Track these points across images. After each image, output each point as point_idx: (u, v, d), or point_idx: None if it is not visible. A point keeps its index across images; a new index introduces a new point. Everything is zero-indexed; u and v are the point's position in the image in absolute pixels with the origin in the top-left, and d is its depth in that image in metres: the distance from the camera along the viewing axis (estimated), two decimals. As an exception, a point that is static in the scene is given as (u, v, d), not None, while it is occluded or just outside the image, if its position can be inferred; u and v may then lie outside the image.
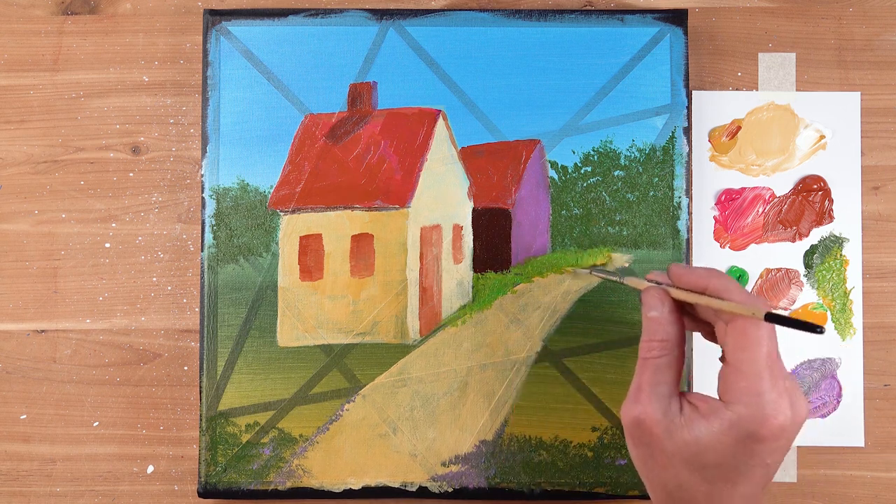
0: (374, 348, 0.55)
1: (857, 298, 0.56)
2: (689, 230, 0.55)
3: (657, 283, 0.43)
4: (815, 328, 0.35)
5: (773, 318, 0.36)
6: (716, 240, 0.56)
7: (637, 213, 0.55)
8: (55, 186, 0.57)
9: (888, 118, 0.57)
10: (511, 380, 0.55)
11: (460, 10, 0.56)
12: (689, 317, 0.43)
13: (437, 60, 0.55)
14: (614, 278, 0.49)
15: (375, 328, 0.55)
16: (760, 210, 0.56)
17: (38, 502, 0.56)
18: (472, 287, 0.55)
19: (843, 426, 0.56)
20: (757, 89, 0.57)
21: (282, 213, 0.55)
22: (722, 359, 0.40)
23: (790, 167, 0.57)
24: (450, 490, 0.54)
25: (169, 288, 0.57)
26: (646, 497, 0.54)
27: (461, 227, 0.56)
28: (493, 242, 0.56)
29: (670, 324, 0.41)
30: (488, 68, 0.55)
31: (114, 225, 0.57)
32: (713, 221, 0.57)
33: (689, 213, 0.55)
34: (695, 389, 0.55)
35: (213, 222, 0.55)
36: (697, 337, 0.56)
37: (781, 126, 0.57)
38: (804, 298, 0.56)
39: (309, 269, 0.55)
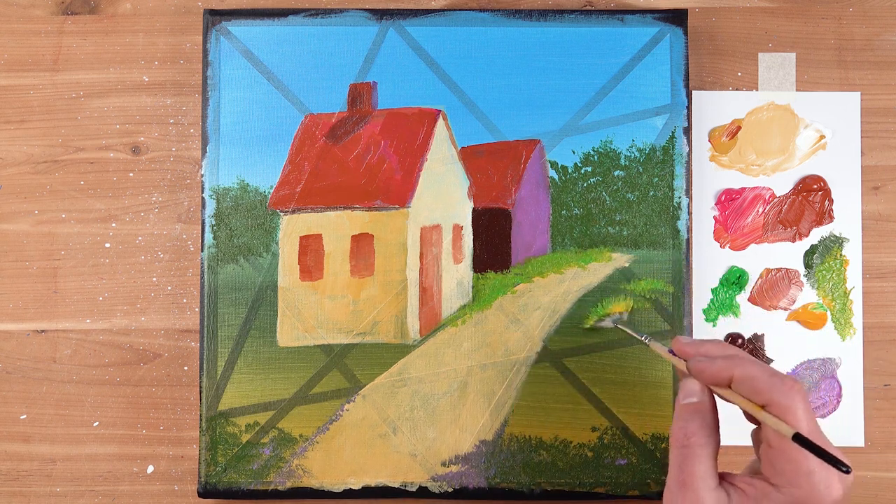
0: (374, 348, 0.55)
1: (857, 298, 0.56)
2: (689, 230, 0.55)
3: (676, 353, 0.43)
4: (841, 466, 0.34)
5: (800, 441, 0.36)
6: (716, 240, 0.57)
7: (637, 213, 0.55)
8: (55, 186, 0.57)
9: (888, 118, 0.57)
10: (511, 380, 0.55)
11: (460, 10, 0.56)
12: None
13: (437, 60, 0.55)
14: (640, 338, 0.49)
15: (375, 328, 0.55)
16: (760, 210, 0.56)
17: (38, 502, 0.56)
18: (472, 287, 0.55)
19: (843, 426, 0.56)
20: (757, 89, 0.57)
21: (282, 213, 0.55)
22: (750, 420, 0.40)
23: (790, 167, 0.57)
24: (450, 490, 0.54)
25: (169, 288, 0.57)
26: (646, 497, 0.54)
27: (461, 227, 0.56)
28: (493, 242, 0.56)
29: (709, 411, 0.40)
30: (488, 68, 0.55)
31: (114, 225, 0.57)
32: (713, 221, 0.57)
33: (689, 213, 0.55)
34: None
35: (213, 222, 0.55)
36: (698, 330, 0.56)
37: (781, 126, 0.57)
38: (804, 298, 0.56)
39: (309, 269, 0.55)
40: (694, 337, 0.55)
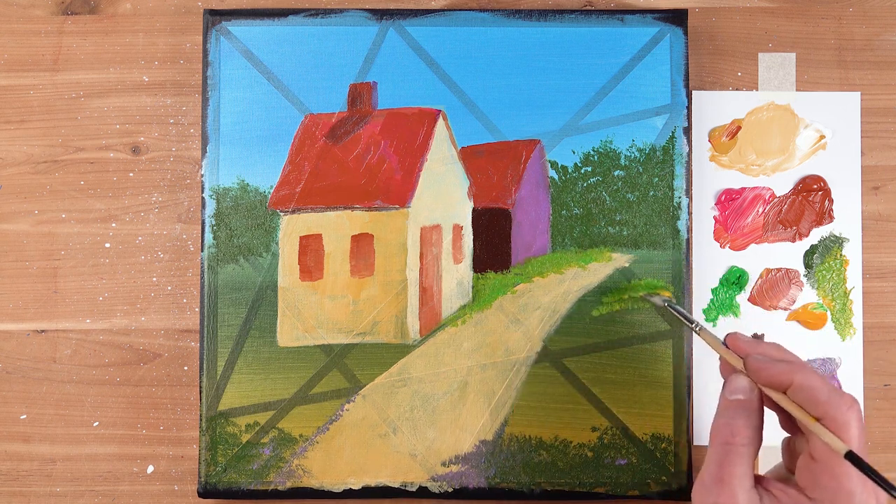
0: (374, 348, 0.55)
1: (857, 298, 0.56)
2: (689, 230, 0.55)
3: (731, 348, 0.41)
4: (892, 490, 0.34)
5: (853, 460, 0.35)
6: (716, 240, 0.56)
7: (637, 213, 0.55)
8: (55, 186, 0.57)
9: (888, 118, 0.57)
10: (511, 380, 0.55)
11: (460, 10, 0.56)
12: (769, 400, 0.41)
13: (437, 60, 0.55)
14: (690, 325, 0.47)
15: (375, 328, 0.55)
16: (760, 210, 0.56)
17: (38, 502, 0.56)
18: (472, 287, 0.55)
19: (843, 426, 0.56)
20: (757, 89, 0.57)
21: (282, 213, 0.55)
22: (786, 429, 0.40)
23: (790, 167, 0.57)
24: (450, 490, 0.54)
25: (169, 288, 0.57)
26: (646, 497, 0.54)
27: (461, 227, 0.56)
28: (493, 242, 0.56)
29: (756, 410, 0.40)
30: (488, 68, 0.55)
31: (114, 225, 0.57)
32: (713, 221, 0.57)
33: (689, 213, 0.55)
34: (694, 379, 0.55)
35: (213, 222, 0.55)
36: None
37: (781, 126, 0.57)
38: (804, 298, 0.56)
39: (309, 269, 0.55)
40: (694, 336, 0.55)
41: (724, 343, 0.43)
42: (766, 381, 0.39)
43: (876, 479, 0.34)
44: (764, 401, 0.41)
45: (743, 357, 0.41)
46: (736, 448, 0.39)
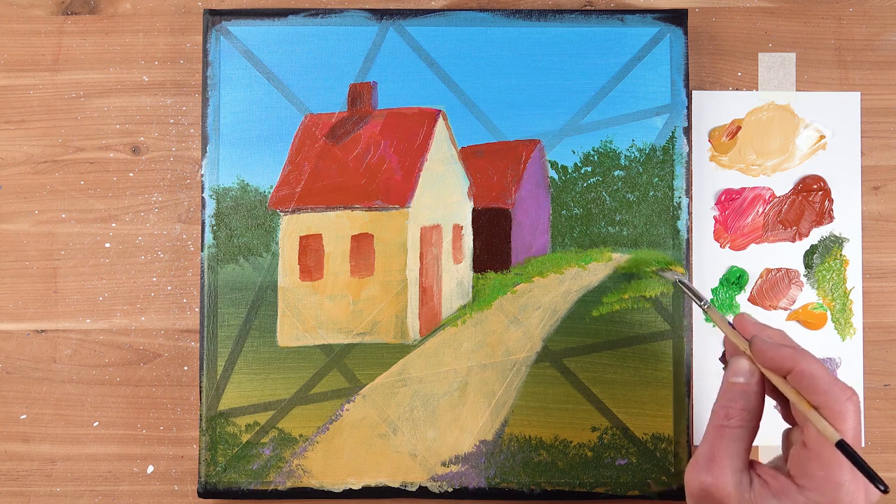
0: (374, 348, 0.55)
1: (857, 298, 0.56)
2: (689, 230, 0.55)
3: (737, 329, 0.42)
4: (878, 484, 0.34)
5: (843, 449, 0.35)
6: (716, 240, 0.57)
7: (637, 213, 0.55)
8: (55, 186, 0.57)
9: (888, 118, 0.57)
10: (511, 380, 0.55)
11: (460, 10, 0.56)
12: (770, 387, 0.41)
13: (437, 60, 0.55)
14: (699, 304, 0.47)
15: (375, 328, 0.55)
16: (760, 210, 0.56)
17: (38, 502, 0.56)
18: (472, 287, 0.55)
19: (843, 426, 0.56)
20: (757, 89, 0.57)
21: (282, 213, 0.55)
22: (787, 420, 0.40)
23: (790, 167, 0.57)
24: (450, 490, 0.54)
25: (169, 288, 0.57)
26: (646, 497, 0.54)
27: (461, 227, 0.56)
28: (493, 242, 0.56)
29: (755, 394, 0.40)
30: (488, 68, 0.55)
31: (114, 225, 0.57)
32: (713, 221, 0.57)
33: (689, 213, 0.55)
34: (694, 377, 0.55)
35: (213, 222, 0.55)
36: (698, 330, 0.56)
37: (781, 126, 0.57)
38: (804, 298, 0.56)
39: (309, 269, 0.55)
40: (694, 336, 0.55)
41: (731, 324, 0.43)
42: (768, 364, 0.40)
43: (865, 471, 0.35)
44: (766, 388, 0.41)
45: (748, 338, 0.41)
46: (731, 430, 0.39)
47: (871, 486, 0.36)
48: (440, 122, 0.55)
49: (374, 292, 0.55)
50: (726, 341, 0.43)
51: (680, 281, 0.51)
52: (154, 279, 0.57)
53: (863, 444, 0.56)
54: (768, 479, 0.39)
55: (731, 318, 0.46)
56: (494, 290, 0.55)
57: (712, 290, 0.56)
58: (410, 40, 0.55)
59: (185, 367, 0.57)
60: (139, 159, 0.57)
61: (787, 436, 0.42)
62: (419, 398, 0.54)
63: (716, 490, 0.38)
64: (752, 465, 0.40)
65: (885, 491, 0.34)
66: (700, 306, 0.47)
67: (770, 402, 0.42)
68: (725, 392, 0.40)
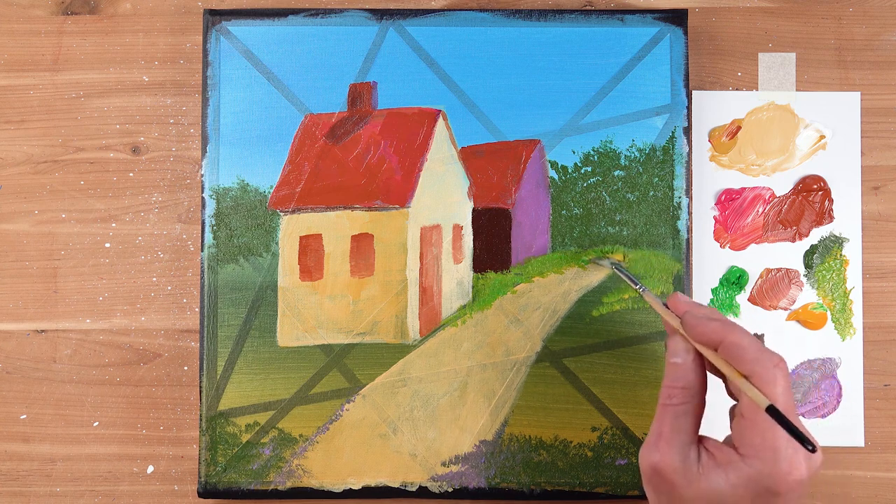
0: (374, 348, 0.55)
1: (857, 298, 0.56)
2: (689, 230, 0.55)
3: (670, 310, 0.43)
4: (806, 444, 0.35)
5: (772, 414, 0.36)
6: (716, 240, 0.57)
7: (637, 213, 0.55)
8: (55, 186, 0.57)
9: (888, 118, 0.57)
10: (511, 380, 0.55)
11: (460, 10, 0.56)
12: (710, 363, 0.42)
13: (437, 60, 0.55)
14: (635, 287, 0.49)
15: (375, 328, 0.55)
16: (760, 210, 0.56)
17: (38, 502, 0.56)
18: (472, 287, 0.55)
19: (843, 426, 0.56)
20: (757, 89, 0.57)
21: (282, 213, 0.55)
22: (731, 395, 0.40)
23: (790, 167, 0.57)
24: (450, 490, 0.54)
25: (169, 288, 0.57)
26: (645, 497, 0.54)
27: (461, 227, 0.56)
28: (493, 242, 0.56)
29: (692, 371, 0.41)
30: (488, 68, 0.55)
31: (114, 225, 0.57)
32: (713, 221, 0.57)
33: (689, 213, 0.55)
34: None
35: (213, 222, 0.55)
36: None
37: (781, 126, 0.57)
38: (804, 298, 0.56)
39: (309, 269, 0.55)
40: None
41: (666, 304, 0.44)
42: (699, 339, 0.41)
43: (794, 433, 0.35)
44: (707, 365, 0.42)
45: (680, 316, 0.42)
46: (672, 408, 0.40)
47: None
48: (440, 122, 0.55)
49: (374, 292, 0.55)
50: (664, 323, 0.44)
51: (614, 265, 0.52)
52: (154, 279, 0.57)
53: (863, 444, 0.56)
54: (714, 451, 0.39)
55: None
56: (494, 290, 0.55)
57: (712, 290, 0.56)
58: (410, 40, 0.55)
59: (185, 367, 0.57)
60: (139, 159, 0.57)
61: (732, 411, 0.43)
62: (419, 398, 0.54)
63: (664, 466, 0.39)
64: (700, 440, 0.41)
65: (813, 451, 0.34)
66: (636, 290, 0.49)
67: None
68: (667, 374, 0.42)
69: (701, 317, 0.41)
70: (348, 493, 0.54)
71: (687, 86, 0.55)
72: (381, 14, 0.55)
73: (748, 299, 0.56)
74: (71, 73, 0.58)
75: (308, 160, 0.55)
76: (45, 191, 0.57)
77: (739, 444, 0.39)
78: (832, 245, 0.56)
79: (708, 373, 0.42)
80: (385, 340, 0.55)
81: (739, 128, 0.57)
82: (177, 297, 0.57)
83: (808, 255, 0.56)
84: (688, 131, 0.55)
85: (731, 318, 0.42)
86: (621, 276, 0.51)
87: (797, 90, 0.57)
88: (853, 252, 0.56)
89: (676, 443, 0.40)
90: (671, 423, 0.40)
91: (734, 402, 0.43)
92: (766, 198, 0.56)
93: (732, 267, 0.56)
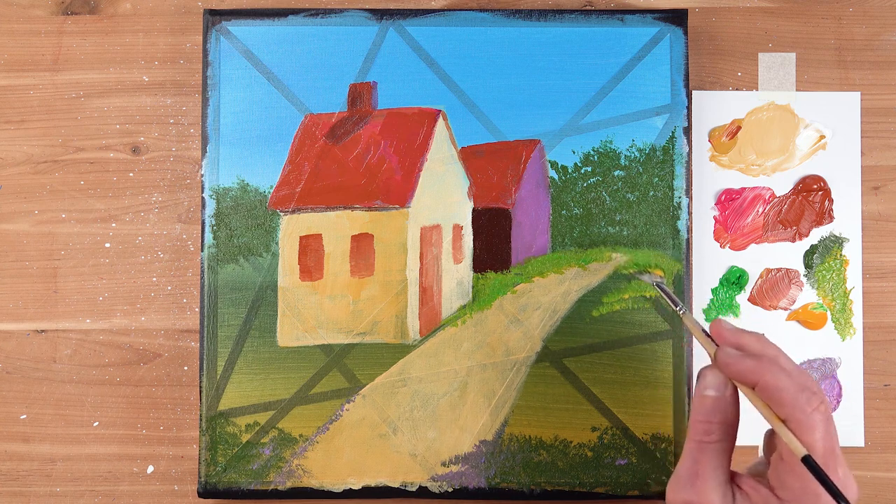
0: (374, 348, 0.55)
1: (857, 298, 0.56)
2: (689, 230, 0.55)
3: (712, 335, 0.41)
4: (840, 501, 0.34)
5: (809, 465, 0.35)
6: (716, 240, 0.57)
7: (637, 213, 0.55)
8: (55, 186, 0.57)
9: (888, 118, 0.57)
10: (511, 380, 0.55)
11: (460, 10, 0.56)
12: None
13: (437, 60, 0.55)
14: (676, 308, 0.46)
15: (375, 328, 0.55)
16: (760, 210, 0.56)
17: (38, 502, 0.56)
18: (472, 287, 0.55)
19: (843, 426, 0.56)
20: (757, 89, 0.57)
21: (282, 213, 0.55)
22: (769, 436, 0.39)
23: (790, 167, 0.57)
24: (450, 490, 0.54)
25: (169, 288, 0.57)
26: (646, 497, 0.54)
27: (461, 227, 0.56)
28: (493, 242, 0.56)
29: (730, 405, 0.39)
30: (488, 68, 0.55)
31: (114, 225, 0.57)
32: (713, 221, 0.57)
33: (689, 213, 0.55)
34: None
35: (213, 222, 0.55)
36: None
37: (781, 126, 0.57)
38: (804, 298, 0.56)
39: (309, 269, 0.55)
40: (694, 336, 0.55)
41: (706, 332, 0.42)
42: (735, 378, 0.39)
43: (828, 487, 0.34)
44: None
45: (713, 352, 0.41)
46: (712, 445, 0.39)
47: (849, 490, 0.36)
48: (440, 122, 0.55)
49: (374, 292, 0.55)
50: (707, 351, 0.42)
51: (657, 284, 0.50)
52: (154, 279, 0.57)
53: (863, 444, 0.56)
54: (750, 491, 0.38)
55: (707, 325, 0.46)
56: (494, 290, 0.55)
57: (712, 290, 0.56)
58: (410, 40, 0.55)
59: (185, 367, 0.57)
60: (139, 159, 0.57)
61: (768, 437, 0.42)
62: (419, 398, 0.54)
63: None
64: (733, 476, 0.39)
65: None
66: (676, 311, 0.46)
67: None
68: (700, 405, 0.39)
69: (735, 354, 0.39)
70: (348, 493, 0.54)
71: (687, 86, 0.55)
72: (381, 14, 0.55)
73: (748, 299, 0.56)
74: (71, 73, 0.58)
75: (308, 160, 0.55)
76: (45, 191, 0.57)
77: (778, 487, 0.37)
78: (832, 245, 0.56)
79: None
80: (385, 340, 0.55)
81: (739, 128, 0.57)
82: (177, 297, 0.57)
83: (808, 255, 0.56)
84: (688, 131, 0.55)
85: (764, 335, 0.40)
86: (662, 294, 0.48)
87: (797, 90, 0.57)
88: (853, 252, 0.56)
89: (714, 482, 0.38)
90: (709, 461, 0.38)
91: (770, 428, 0.41)
92: (766, 198, 0.56)
93: (732, 267, 0.56)
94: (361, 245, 0.55)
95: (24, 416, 0.57)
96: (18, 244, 0.57)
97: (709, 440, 0.39)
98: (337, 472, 0.54)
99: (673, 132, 0.55)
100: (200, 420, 0.54)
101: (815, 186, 0.56)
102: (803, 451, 0.35)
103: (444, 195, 0.55)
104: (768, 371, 0.37)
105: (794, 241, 0.57)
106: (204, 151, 0.55)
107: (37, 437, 0.57)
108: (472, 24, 0.55)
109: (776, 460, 0.38)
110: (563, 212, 0.55)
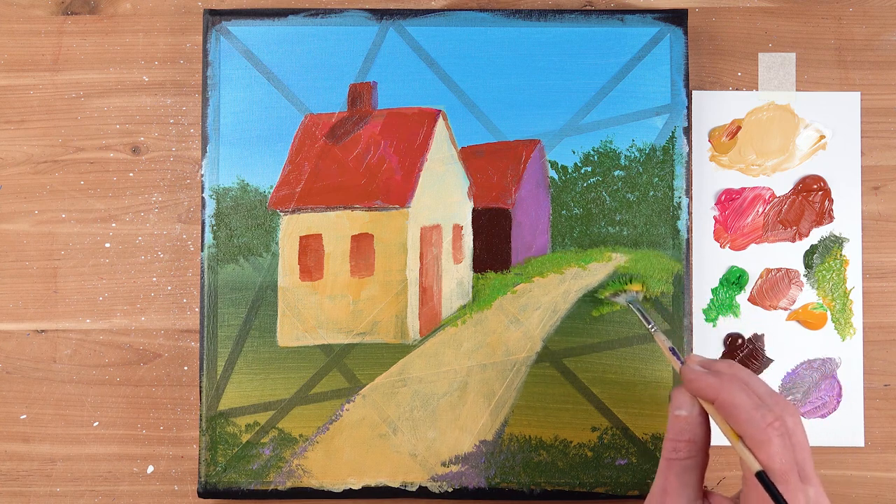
0: (374, 348, 0.55)
1: (857, 298, 0.56)
2: (689, 230, 0.55)
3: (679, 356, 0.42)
4: None
5: (762, 481, 0.36)
6: (716, 240, 0.57)
7: (637, 213, 0.55)
8: (55, 186, 0.57)
9: (888, 118, 0.57)
10: (511, 380, 0.55)
11: (460, 10, 0.56)
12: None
13: (437, 60, 0.55)
14: (647, 326, 0.49)
15: (375, 328, 0.55)
16: (760, 210, 0.56)
17: (38, 502, 0.56)
18: (472, 287, 0.55)
19: (843, 426, 0.56)
20: (757, 89, 0.57)
21: (282, 213, 0.55)
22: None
23: (790, 167, 0.57)
24: (450, 490, 0.54)
25: (169, 288, 0.57)
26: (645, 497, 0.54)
27: (461, 227, 0.56)
28: (493, 242, 0.56)
29: (699, 425, 0.40)
30: (488, 68, 0.55)
31: (114, 225, 0.57)
32: (713, 221, 0.57)
33: (689, 213, 0.55)
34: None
35: (213, 222, 0.55)
36: (698, 330, 0.56)
37: (781, 126, 0.57)
38: (804, 298, 0.56)
39: (309, 269, 0.55)
40: (694, 336, 0.55)
41: (673, 349, 0.45)
42: (695, 393, 0.40)
43: (777, 500, 0.35)
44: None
45: (679, 367, 0.42)
46: (680, 463, 0.40)
47: None
48: (440, 122, 0.55)
49: (374, 292, 0.55)
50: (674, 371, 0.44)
51: (630, 302, 0.52)
52: (154, 279, 0.57)
53: (863, 444, 0.56)
54: None
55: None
56: (494, 290, 0.55)
57: (712, 290, 0.56)
58: (410, 40, 0.55)
59: (185, 367, 0.57)
60: (139, 159, 0.57)
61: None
62: (419, 398, 0.54)
63: None
64: (705, 495, 0.40)
65: None
66: (647, 329, 0.49)
67: None
68: (672, 425, 0.40)
69: (698, 370, 0.40)
70: (348, 493, 0.54)
71: (687, 86, 0.55)
72: (381, 14, 0.55)
73: (748, 299, 0.56)
74: (71, 73, 0.58)
75: (308, 160, 0.55)
76: (45, 191, 0.57)
77: (744, 503, 0.38)
78: (832, 245, 0.56)
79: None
80: (385, 340, 0.55)
81: (739, 128, 0.57)
82: (177, 297, 0.57)
83: (808, 255, 0.56)
84: (688, 131, 0.55)
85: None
86: (636, 313, 0.51)
87: (797, 90, 0.57)
88: (853, 252, 0.56)
89: (683, 500, 0.39)
90: (677, 479, 0.39)
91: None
92: (766, 198, 0.56)
93: (732, 267, 0.56)
94: (361, 245, 0.55)
95: (24, 416, 0.57)
96: (18, 244, 0.57)
97: (677, 458, 0.40)
98: (337, 472, 0.54)
99: (673, 132, 0.55)
100: (200, 420, 0.54)
101: (815, 186, 0.56)
102: (757, 467, 0.36)
103: (444, 195, 0.55)
104: (726, 388, 0.38)
105: (794, 241, 0.57)
106: (204, 151, 0.55)
107: (37, 437, 0.57)
108: (472, 24, 0.55)
109: (744, 479, 0.38)
110: (563, 212, 0.55)
